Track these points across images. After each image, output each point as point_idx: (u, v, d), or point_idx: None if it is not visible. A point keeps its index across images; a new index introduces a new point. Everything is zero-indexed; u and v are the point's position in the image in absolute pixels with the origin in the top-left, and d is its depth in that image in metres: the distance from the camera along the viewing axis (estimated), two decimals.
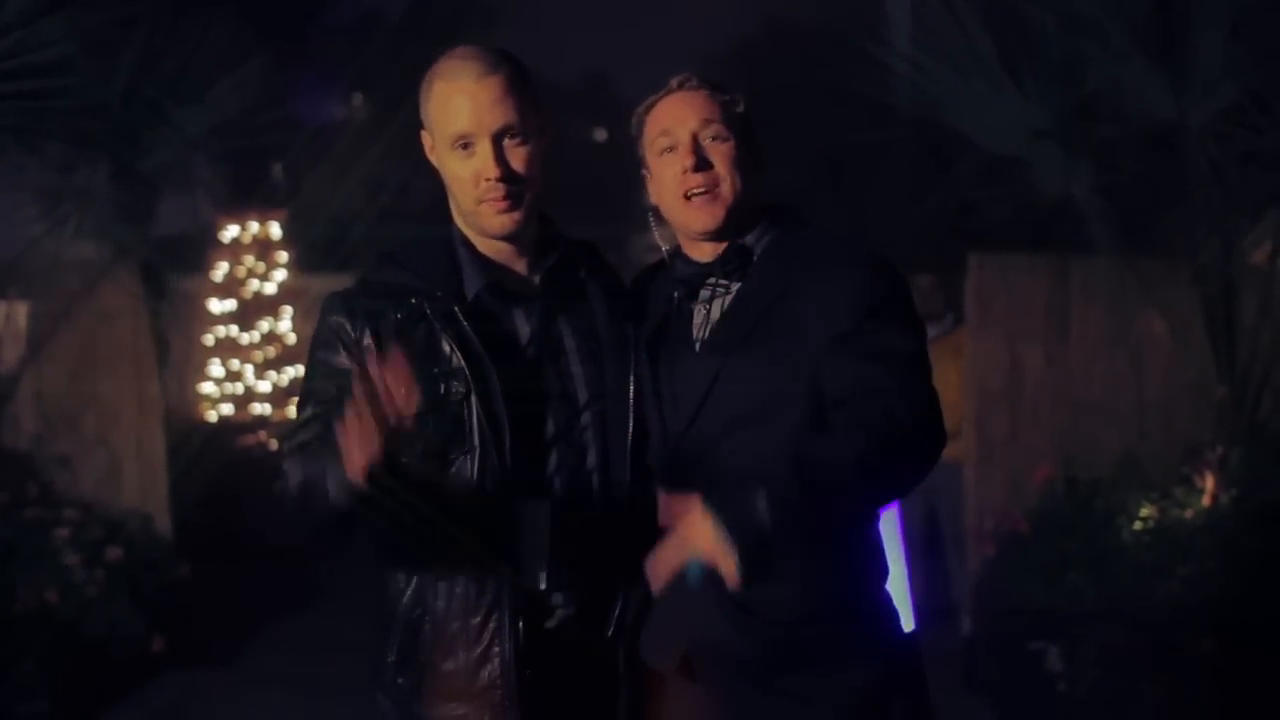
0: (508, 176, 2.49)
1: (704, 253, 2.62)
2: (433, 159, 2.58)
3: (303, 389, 2.56)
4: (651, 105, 2.64)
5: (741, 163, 2.58)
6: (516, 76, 2.52)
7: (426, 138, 2.58)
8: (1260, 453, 5.97)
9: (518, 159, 2.51)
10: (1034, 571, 5.96)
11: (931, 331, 7.13)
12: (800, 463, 2.26)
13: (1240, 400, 6.09)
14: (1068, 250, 6.88)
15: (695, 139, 2.56)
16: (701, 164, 2.55)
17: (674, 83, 2.63)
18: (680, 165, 2.56)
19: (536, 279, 2.60)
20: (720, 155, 2.57)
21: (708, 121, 2.57)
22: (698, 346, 2.59)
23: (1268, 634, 5.21)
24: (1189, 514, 5.84)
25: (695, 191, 2.55)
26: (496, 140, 2.49)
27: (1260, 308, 6.06)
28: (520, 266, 2.60)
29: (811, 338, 2.46)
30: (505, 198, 2.50)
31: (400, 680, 2.54)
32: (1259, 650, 5.21)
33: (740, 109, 2.62)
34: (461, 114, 2.48)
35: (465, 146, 2.50)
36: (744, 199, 2.58)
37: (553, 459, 2.54)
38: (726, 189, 2.56)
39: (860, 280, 2.48)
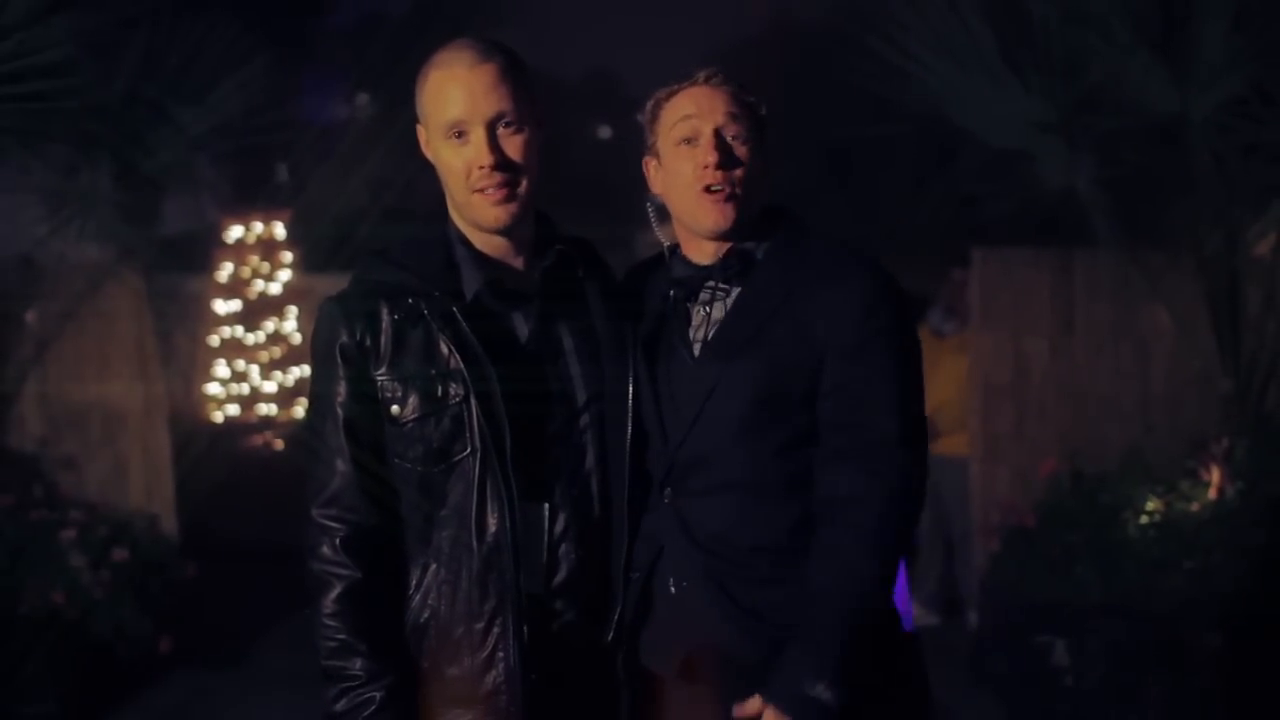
0: (502, 164, 2.46)
1: (704, 254, 2.58)
2: (428, 153, 2.55)
3: (312, 414, 2.55)
4: (674, 93, 2.58)
5: (758, 167, 2.54)
6: (510, 65, 2.49)
7: (422, 132, 2.55)
8: (1266, 445, 5.96)
9: (512, 147, 2.48)
10: (1040, 565, 5.95)
11: (949, 327, 7.12)
12: (832, 599, 2.41)
13: (1245, 393, 6.09)
14: (1072, 244, 6.88)
15: (719, 134, 2.51)
16: (725, 160, 2.50)
17: (700, 75, 2.56)
18: (702, 159, 2.50)
19: (534, 278, 2.57)
20: (741, 158, 2.52)
21: (733, 119, 2.52)
22: (697, 350, 2.56)
23: (1274, 627, 5.20)
24: (1195, 507, 5.83)
25: (714, 187, 2.51)
26: (490, 128, 2.46)
27: (1264, 300, 6.07)
28: (518, 265, 2.57)
29: (813, 346, 2.45)
30: (500, 187, 2.47)
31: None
32: (1265, 643, 5.20)
33: (762, 112, 2.58)
34: (455, 101, 2.46)
35: (459, 135, 2.47)
36: (754, 204, 2.55)
37: (552, 460, 2.52)
38: (743, 191, 2.52)
39: (862, 292, 2.46)
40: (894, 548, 2.46)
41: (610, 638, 2.56)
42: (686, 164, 2.53)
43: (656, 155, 2.61)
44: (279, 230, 9.73)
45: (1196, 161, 5.88)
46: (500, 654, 2.47)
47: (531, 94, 2.52)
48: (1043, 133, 6.20)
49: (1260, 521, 5.59)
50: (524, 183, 2.50)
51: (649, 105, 2.62)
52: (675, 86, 2.58)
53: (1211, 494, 5.87)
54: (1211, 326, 6.13)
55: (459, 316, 2.48)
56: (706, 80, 2.56)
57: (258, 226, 9.67)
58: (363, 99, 13.50)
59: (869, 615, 2.44)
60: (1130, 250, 6.31)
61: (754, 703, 2.40)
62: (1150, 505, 5.92)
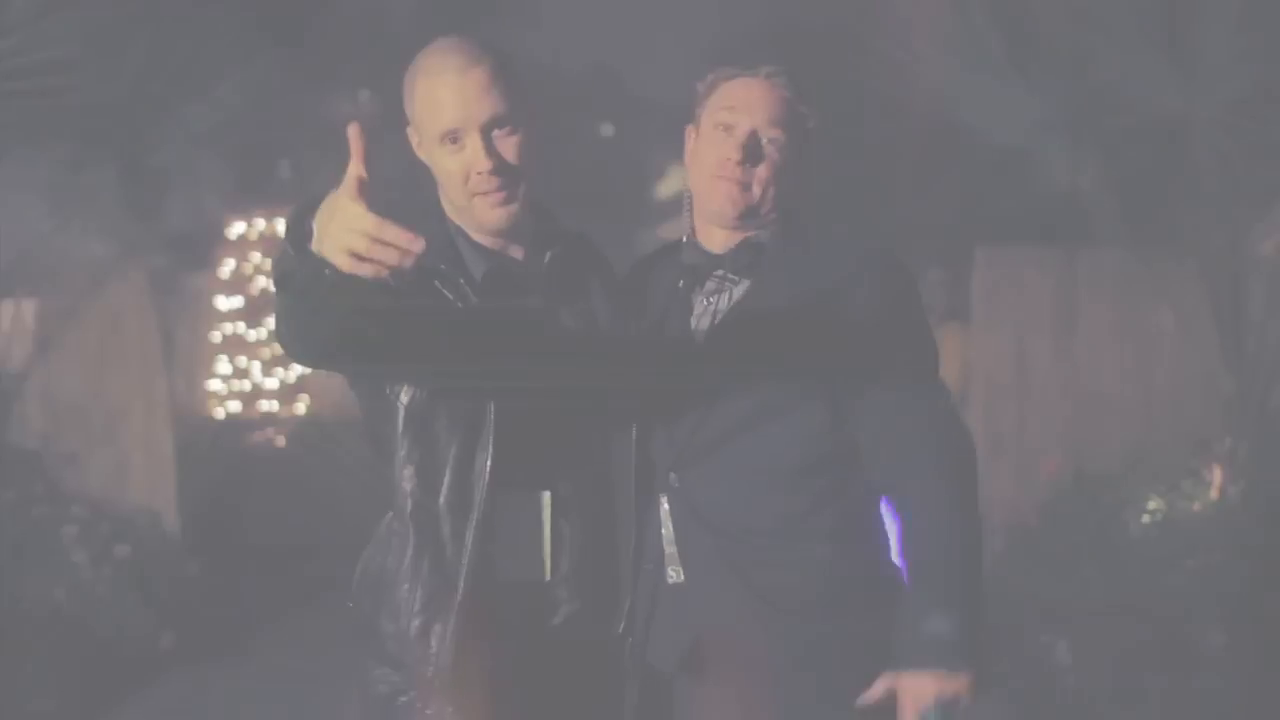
0: (499, 168, 2.44)
1: (716, 243, 2.57)
2: (421, 155, 2.53)
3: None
4: (732, 77, 2.55)
5: (784, 176, 2.52)
6: (501, 66, 2.46)
7: (413, 134, 2.53)
8: (1268, 445, 5.96)
9: (508, 149, 2.45)
10: (1043, 564, 5.95)
11: None
12: (935, 549, 2.41)
13: (1248, 393, 6.09)
14: (1075, 243, 6.87)
15: (755, 134, 2.50)
16: (749, 157, 2.49)
17: (763, 69, 2.54)
18: (728, 150, 2.49)
19: (536, 269, 2.55)
20: (770, 162, 2.51)
21: (774, 123, 2.50)
22: (699, 339, 2.55)
23: (1276, 626, 5.20)
24: (1197, 507, 5.84)
25: (729, 179, 2.50)
26: (485, 132, 2.43)
27: (1268, 300, 6.06)
28: (518, 257, 2.55)
29: (825, 340, 2.44)
30: (499, 189, 2.45)
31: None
32: (1268, 642, 5.20)
33: (811, 124, 2.55)
34: (447, 108, 2.43)
35: (454, 141, 2.44)
36: (769, 206, 2.53)
37: (555, 450, 2.50)
38: (757, 192, 2.50)
39: (876, 284, 2.46)
40: (968, 481, 2.49)
41: (621, 629, 2.55)
42: (714, 149, 2.52)
43: (698, 126, 2.60)
44: (281, 227, 9.73)
45: (1201, 161, 5.89)
46: (501, 646, 2.45)
47: (524, 91, 2.48)
48: (1047, 131, 6.20)
49: (1262, 521, 5.59)
50: (522, 183, 2.48)
51: (709, 78, 2.59)
52: (736, 71, 2.56)
53: (1214, 493, 5.87)
54: (1215, 326, 6.13)
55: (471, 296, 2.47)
56: (767, 76, 2.53)
57: (260, 223, 9.68)
58: (365, 94, 13.48)
59: (977, 548, 2.45)
60: (1134, 249, 6.31)
61: (882, 682, 2.40)
62: (1152, 505, 5.92)
